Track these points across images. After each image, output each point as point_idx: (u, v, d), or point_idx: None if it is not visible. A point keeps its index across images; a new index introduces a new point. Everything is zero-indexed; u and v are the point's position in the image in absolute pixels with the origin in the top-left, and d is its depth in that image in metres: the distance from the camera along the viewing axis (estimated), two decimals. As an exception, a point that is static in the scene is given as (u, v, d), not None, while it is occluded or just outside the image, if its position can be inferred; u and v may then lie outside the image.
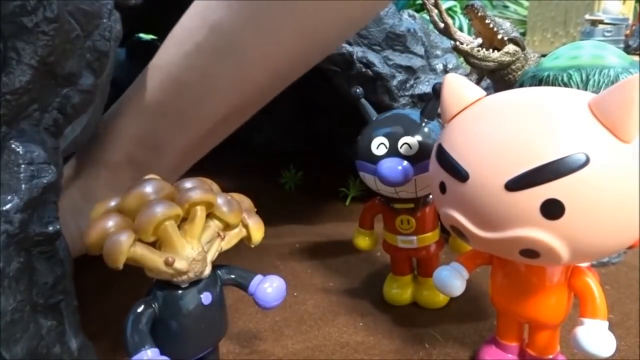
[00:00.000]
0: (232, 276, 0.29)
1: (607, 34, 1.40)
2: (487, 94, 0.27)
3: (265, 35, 0.34)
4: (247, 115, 0.42)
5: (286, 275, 0.31)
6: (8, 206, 0.22)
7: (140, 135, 0.38)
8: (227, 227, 0.27)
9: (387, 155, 0.34)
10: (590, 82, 0.37)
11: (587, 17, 1.48)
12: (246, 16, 0.34)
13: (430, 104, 0.35)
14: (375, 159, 0.34)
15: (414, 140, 0.34)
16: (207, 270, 0.26)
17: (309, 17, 0.34)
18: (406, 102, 0.55)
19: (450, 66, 0.60)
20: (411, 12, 0.61)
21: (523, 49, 0.51)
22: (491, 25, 0.50)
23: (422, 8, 0.61)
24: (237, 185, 0.33)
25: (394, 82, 0.54)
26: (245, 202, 0.29)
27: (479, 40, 0.51)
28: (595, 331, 0.25)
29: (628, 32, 1.43)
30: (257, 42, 0.34)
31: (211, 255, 0.26)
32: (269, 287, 0.28)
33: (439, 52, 0.61)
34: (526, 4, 2.15)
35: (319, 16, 0.34)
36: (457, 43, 0.50)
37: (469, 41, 0.51)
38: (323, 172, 0.79)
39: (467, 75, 0.61)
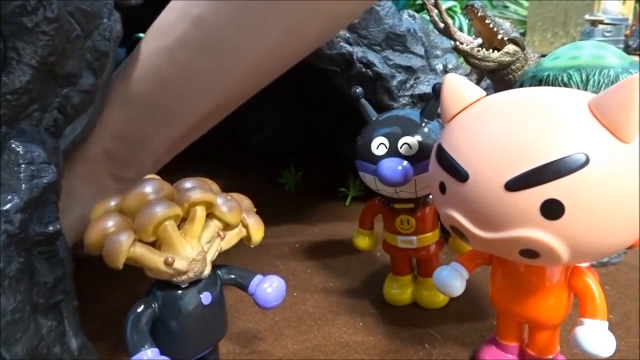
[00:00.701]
0: (232, 276, 0.29)
1: (607, 34, 1.40)
2: (487, 94, 0.27)
3: (248, 30, 0.34)
4: (230, 109, 0.41)
5: (286, 275, 0.31)
6: (8, 206, 0.22)
7: (119, 128, 0.37)
8: (227, 227, 0.27)
9: (387, 155, 0.34)
10: (590, 82, 0.37)
11: (587, 17, 1.48)
12: (229, 11, 0.33)
13: (430, 104, 0.35)
14: (375, 159, 0.34)
15: (414, 140, 0.34)
16: (207, 270, 0.26)
17: (292, 12, 0.34)
18: (406, 102, 0.55)
19: (450, 66, 0.60)
20: (411, 12, 0.61)
21: (523, 49, 0.51)
22: (491, 26, 0.50)
23: (422, 8, 0.60)
24: (237, 185, 0.33)
25: (394, 82, 0.54)
26: (245, 202, 0.29)
27: (479, 40, 0.51)
28: (595, 331, 0.25)
29: (628, 32, 1.43)
30: (240, 37, 0.34)
31: (211, 255, 0.26)
32: (269, 287, 0.28)
33: (439, 52, 0.61)
34: (526, 4, 2.15)
35: (303, 11, 0.34)
36: (457, 43, 0.50)
37: (469, 41, 0.51)
38: (323, 172, 0.79)
39: (467, 75, 0.61)
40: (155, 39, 0.36)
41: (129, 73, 0.37)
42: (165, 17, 0.36)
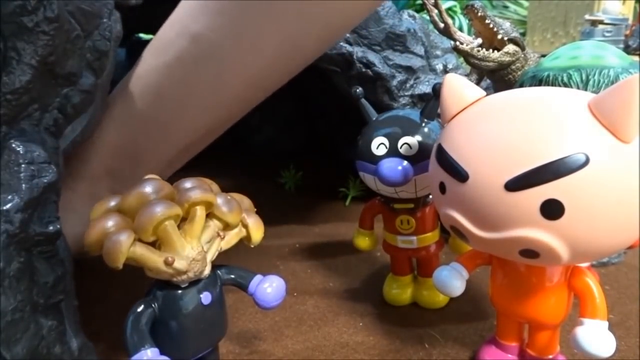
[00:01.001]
0: (232, 276, 0.29)
1: (607, 34, 1.40)
2: (487, 94, 0.27)
3: (245, 46, 0.34)
4: (230, 122, 0.42)
5: (286, 275, 0.31)
6: (8, 206, 0.22)
7: (120, 145, 0.38)
8: (227, 227, 0.27)
9: (387, 155, 0.34)
10: (590, 82, 0.37)
11: (587, 17, 1.48)
12: (227, 27, 0.34)
13: (430, 104, 0.35)
14: (375, 159, 0.34)
15: (414, 140, 0.34)
16: (207, 270, 0.26)
17: (288, 27, 0.34)
18: (406, 102, 0.55)
19: (450, 66, 0.60)
20: (411, 12, 0.61)
21: (523, 49, 0.52)
22: (491, 26, 0.50)
23: (422, 8, 0.60)
24: (237, 185, 0.33)
25: (394, 82, 0.54)
26: (245, 202, 0.29)
27: (479, 40, 0.51)
28: (595, 331, 0.25)
29: (628, 32, 1.43)
30: (237, 52, 0.35)
31: (211, 255, 0.26)
32: (269, 287, 0.28)
33: (439, 52, 0.61)
34: (526, 4, 2.15)
35: (299, 26, 0.34)
36: (457, 43, 0.50)
37: (469, 41, 0.51)
38: (323, 172, 0.79)
39: (467, 75, 0.61)
40: (154, 55, 0.37)
41: (129, 90, 0.37)
42: (164, 34, 0.37)
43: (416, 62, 0.56)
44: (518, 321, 0.31)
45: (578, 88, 0.37)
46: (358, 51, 0.53)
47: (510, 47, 0.50)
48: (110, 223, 0.24)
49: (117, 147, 0.38)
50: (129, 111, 0.37)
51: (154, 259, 0.24)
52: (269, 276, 0.29)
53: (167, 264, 0.24)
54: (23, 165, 0.23)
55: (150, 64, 0.37)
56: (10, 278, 0.21)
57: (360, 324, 0.39)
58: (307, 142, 0.90)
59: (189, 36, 0.35)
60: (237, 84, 0.37)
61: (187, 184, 0.27)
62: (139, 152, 0.39)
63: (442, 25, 0.52)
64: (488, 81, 0.58)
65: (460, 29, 0.92)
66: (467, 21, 1.85)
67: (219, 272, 0.28)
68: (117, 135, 0.38)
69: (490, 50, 0.50)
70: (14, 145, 0.23)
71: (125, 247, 0.23)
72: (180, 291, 0.26)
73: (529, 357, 0.30)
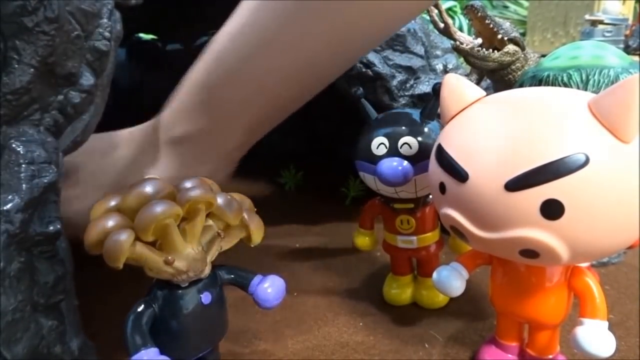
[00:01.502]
0: (232, 276, 0.29)
1: (607, 34, 1.40)
2: (487, 94, 0.27)
3: (282, 44, 0.36)
4: (272, 119, 0.48)
5: (286, 275, 0.31)
6: (9, 206, 0.22)
7: (196, 113, 0.40)
8: (227, 226, 0.27)
9: (387, 155, 0.34)
10: (590, 82, 0.37)
11: (587, 17, 1.48)
12: (278, 19, 0.36)
13: (430, 104, 0.35)
14: (375, 159, 0.34)
15: (414, 140, 0.34)
16: (207, 270, 0.26)
17: (316, 39, 0.36)
18: (406, 102, 0.55)
19: (450, 66, 0.60)
20: (411, 12, 0.61)
21: (523, 49, 0.52)
22: (491, 26, 0.50)
23: (422, 8, 0.60)
24: (237, 186, 0.33)
25: (394, 82, 0.54)
26: (246, 202, 0.30)
27: (479, 40, 0.51)
28: (595, 331, 0.25)
29: (628, 32, 1.43)
30: (281, 43, 0.37)
31: (211, 255, 0.26)
32: (269, 287, 0.28)
33: (439, 52, 0.61)
34: (526, 4, 2.15)
35: (319, 44, 0.36)
36: (457, 43, 0.50)
37: (469, 41, 0.51)
38: (323, 172, 0.79)
39: (467, 75, 0.61)
40: (226, 32, 0.39)
41: (201, 62, 0.40)
42: (233, 17, 0.39)
43: (416, 62, 0.56)
44: (518, 321, 0.31)
45: (578, 88, 0.37)
46: (358, 51, 0.53)
47: (510, 47, 0.50)
48: (110, 222, 0.24)
49: (195, 114, 0.40)
50: (200, 82, 0.40)
51: (154, 258, 0.24)
52: (269, 276, 0.29)
53: (168, 263, 0.24)
54: (23, 166, 0.23)
55: (222, 39, 0.39)
56: (10, 278, 0.21)
57: (360, 324, 0.39)
58: (308, 142, 0.90)
59: (249, 23, 0.37)
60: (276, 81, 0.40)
61: (188, 183, 0.27)
62: (210, 126, 0.41)
63: (442, 25, 0.52)
64: (488, 81, 0.58)
65: (460, 29, 0.92)
66: (467, 21, 1.85)
67: (219, 272, 0.28)
68: (192, 102, 0.41)
69: (490, 50, 0.50)
70: (14, 146, 0.23)
71: (126, 246, 0.23)
72: (180, 291, 0.26)
73: (529, 357, 0.30)
